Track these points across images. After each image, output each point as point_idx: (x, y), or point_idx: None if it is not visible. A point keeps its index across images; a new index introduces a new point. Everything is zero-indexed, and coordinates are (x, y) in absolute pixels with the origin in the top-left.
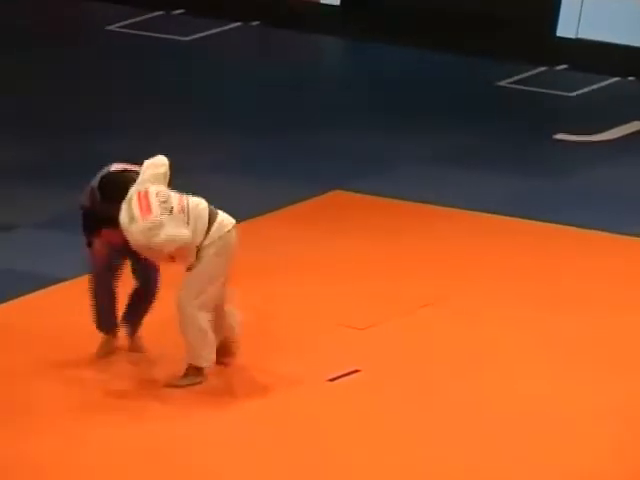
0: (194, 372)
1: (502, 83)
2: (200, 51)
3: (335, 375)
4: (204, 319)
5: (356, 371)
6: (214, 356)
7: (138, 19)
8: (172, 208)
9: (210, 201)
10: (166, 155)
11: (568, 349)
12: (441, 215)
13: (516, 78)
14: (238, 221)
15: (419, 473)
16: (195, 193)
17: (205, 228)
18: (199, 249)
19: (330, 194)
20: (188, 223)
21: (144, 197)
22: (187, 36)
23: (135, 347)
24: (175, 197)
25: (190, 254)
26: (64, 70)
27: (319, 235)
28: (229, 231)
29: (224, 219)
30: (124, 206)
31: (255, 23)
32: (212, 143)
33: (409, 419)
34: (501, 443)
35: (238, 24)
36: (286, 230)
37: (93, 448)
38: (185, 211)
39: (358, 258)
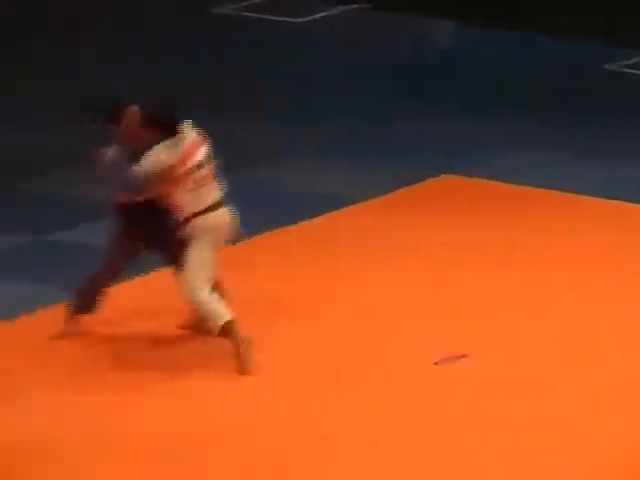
0: (228, 334)
1: (611, 67)
2: (311, 34)
3: (442, 358)
4: (208, 295)
5: (464, 356)
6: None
7: (246, 3)
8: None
9: (316, 184)
10: (271, 139)
11: None
12: (558, 201)
13: (626, 62)
14: (346, 205)
15: (528, 456)
16: (302, 177)
17: (205, 205)
18: (191, 220)
19: (441, 178)
20: (193, 190)
21: (194, 147)
22: (299, 18)
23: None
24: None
25: (180, 202)
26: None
27: (432, 218)
28: (220, 226)
29: (225, 213)
30: (168, 143)
31: (364, 5)
32: (319, 127)
33: (514, 407)
34: (606, 434)
35: (349, 7)
36: (398, 214)
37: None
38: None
39: (470, 242)
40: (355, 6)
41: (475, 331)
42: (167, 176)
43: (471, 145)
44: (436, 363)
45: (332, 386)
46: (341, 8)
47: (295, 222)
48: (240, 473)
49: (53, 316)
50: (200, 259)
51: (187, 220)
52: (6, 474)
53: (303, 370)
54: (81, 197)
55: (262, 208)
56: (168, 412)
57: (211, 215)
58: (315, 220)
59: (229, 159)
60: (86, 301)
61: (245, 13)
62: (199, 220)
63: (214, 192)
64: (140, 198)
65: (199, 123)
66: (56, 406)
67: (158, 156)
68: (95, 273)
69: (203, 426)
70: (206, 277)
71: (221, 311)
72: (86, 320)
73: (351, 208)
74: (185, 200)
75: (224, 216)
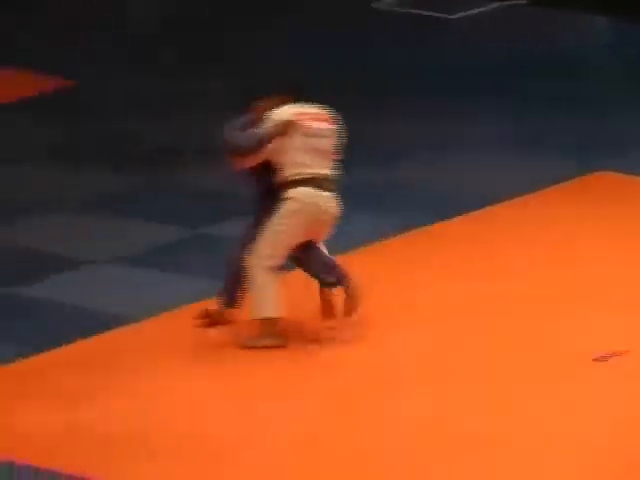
0: (266, 326)
1: None
2: (465, 29)
3: (601, 354)
4: (265, 276)
5: (625, 352)
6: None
7: None
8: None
9: (465, 177)
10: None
11: None
12: None
13: None
14: (500, 200)
15: None
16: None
17: (312, 174)
18: (285, 188)
19: (594, 175)
20: (306, 152)
21: (318, 116)
22: (453, 14)
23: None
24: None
25: (289, 160)
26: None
27: (588, 214)
28: (319, 206)
29: (331, 199)
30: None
31: (521, 2)
32: (467, 118)
33: None
34: None
35: (506, 3)
36: (553, 209)
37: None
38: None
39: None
40: (512, 2)
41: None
42: (284, 129)
43: (627, 142)
44: (596, 359)
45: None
46: (497, 4)
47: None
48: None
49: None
50: (275, 233)
51: (288, 184)
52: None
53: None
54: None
55: (417, 204)
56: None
57: (315, 193)
58: (472, 214)
59: (386, 154)
60: (231, 296)
61: (401, 9)
62: (300, 190)
63: (327, 169)
64: (257, 159)
65: (357, 120)
66: (205, 403)
67: (280, 115)
68: (237, 267)
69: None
70: (271, 255)
71: (269, 303)
72: (232, 314)
73: (506, 204)
74: (294, 159)
75: (329, 201)
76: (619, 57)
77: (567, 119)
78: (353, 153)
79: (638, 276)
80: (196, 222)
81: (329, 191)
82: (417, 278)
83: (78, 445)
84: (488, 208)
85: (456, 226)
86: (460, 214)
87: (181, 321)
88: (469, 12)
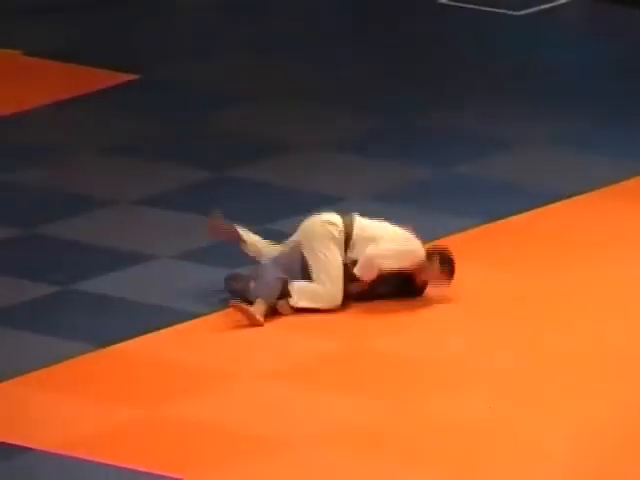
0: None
1: None
2: (534, 26)
3: None
4: None
5: None
6: None
7: None
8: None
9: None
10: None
11: None
12: None
13: None
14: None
15: None
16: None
17: None
18: None
19: None
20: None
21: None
22: (519, 10)
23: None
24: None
25: None
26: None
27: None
28: None
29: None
30: None
31: None
32: (531, 114)
33: None
34: None
35: None
36: (620, 206)
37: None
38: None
39: None
40: None
41: None
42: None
43: None
44: None
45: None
46: (562, 1)
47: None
48: None
49: None
50: None
51: None
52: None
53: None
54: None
55: (488, 198)
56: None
57: None
58: (545, 209)
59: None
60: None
61: (467, 5)
62: None
63: None
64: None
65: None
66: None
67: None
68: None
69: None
70: None
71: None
72: None
73: (574, 199)
74: None
75: None
76: None
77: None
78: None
79: None
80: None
81: None
82: (484, 271)
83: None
84: (563, 202)
85: (534, 219)
86: (535, 209)
87: None
88: (533, 9)
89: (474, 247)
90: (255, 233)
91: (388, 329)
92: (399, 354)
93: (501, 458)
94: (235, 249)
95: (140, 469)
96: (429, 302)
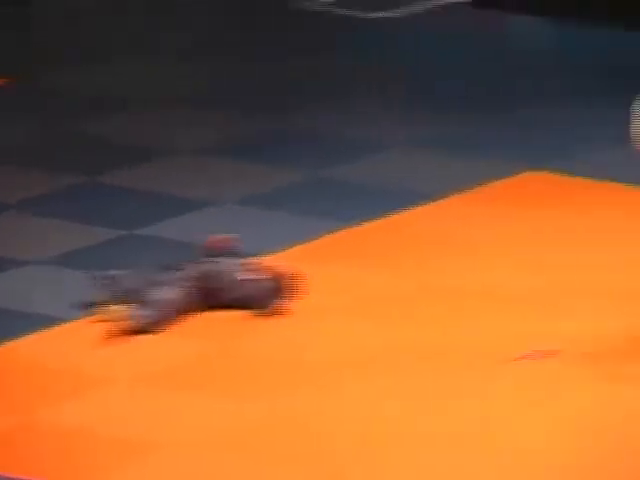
0: None
1: None
2: (403, 28)
3: (526, 355)
4: None
5: (552, 352)
6: None
7: None
8: None
9: (400, 177)
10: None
11: None
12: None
13: None
14: (426, 201)
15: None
16: (387, 169)
17: None
18: None
19: (525, 174)
20: None
21: None
22: (395, 12)
23: None
24: None
25: None
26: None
27: (514, 214)
28: None
29: None
30: None
31: (464, 0)
32: (404, 118)
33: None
34: None
35: (446, 1)
36: (480, 210)
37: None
38: None
39: (547, 239)
40: (453, 0)
41: (563, 324)
42: None
43: (567, 140)
44: (519, 359)
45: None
46: (436, 2)
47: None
48: None
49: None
50: None
51: None
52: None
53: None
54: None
55: (347, 203)
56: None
57: None
58: (395, 215)
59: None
60: None
61: (323, 8)
62: None
63: None
64: None
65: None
66: None
67: None
68: None
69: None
70: None
71: None
72: None
73: (434, 204)
74: None
75: None
76: (562, 57)
77: (518, 119)
78: (299, 149)
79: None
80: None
81: None
82: (352, 274)
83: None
84: (428, 205)
85: (397, 222)
86: (404, 211)
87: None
88: (403, 11)
89: (342, 249)
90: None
91: (263, 330)
92: (273, 356)
93: (359, 455)
94: (100, 253)
95: (8, 475)
96: (303, 304)
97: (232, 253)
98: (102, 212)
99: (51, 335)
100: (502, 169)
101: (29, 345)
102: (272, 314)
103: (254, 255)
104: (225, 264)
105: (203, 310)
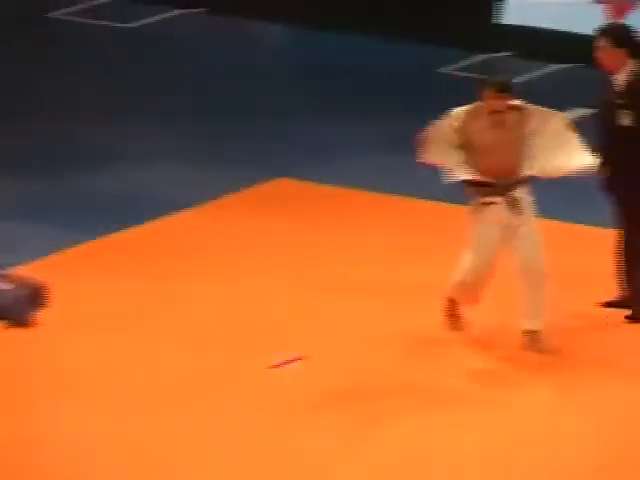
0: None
1: (444, 70)
2: (149, 38)
3: (278, 362)
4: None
5: (300, 358)
6: None
7: (82, 6)
8: None
9: (153, 187)
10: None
11: None
12: (390, 203)
13: (459, 65)
14: (182, 208)
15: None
16: (139, 180)
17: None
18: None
19: (275, 181)
20: None
21: None
22: (134, 22)
23: None
24: None
25: None
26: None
27: (260, 223)
28: None
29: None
30: None
31: (200, 9)
32: (163, 129)
33: (349, 408)
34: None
35: (185, 11)
36: (230, 217)
37: None
38: None
39: (298, 245)
40: (192, 10)
41: (312, 333)
42: None
43: (313, 148)
44: (272, 367)
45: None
46: (177, 12)
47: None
48: None
49: None
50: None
51: None
52: None
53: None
54: None
55: (93, 212)
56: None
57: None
58: (147, 225)
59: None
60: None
61: (77, 18)
62: None
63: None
64: None
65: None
66: None
67: None
68: None
69: None
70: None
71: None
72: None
73: (186, 211)
74: None
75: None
76: (296, 63)
77: (251, 127)
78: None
79: (314, 281)
80: None
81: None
82: (97, 286)
83: None
84: (172, 215)
85: (136, 234)
86: (143, 223)
87: None
88: (148, 20)
89: (91, 260)
90: None
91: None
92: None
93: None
94: None
95: None
96: (50, 316)
97: None
98: None
99: None
100: (247, 178)
101: None
102: (25, 326)
103: (3, 266)
104: None
105: None
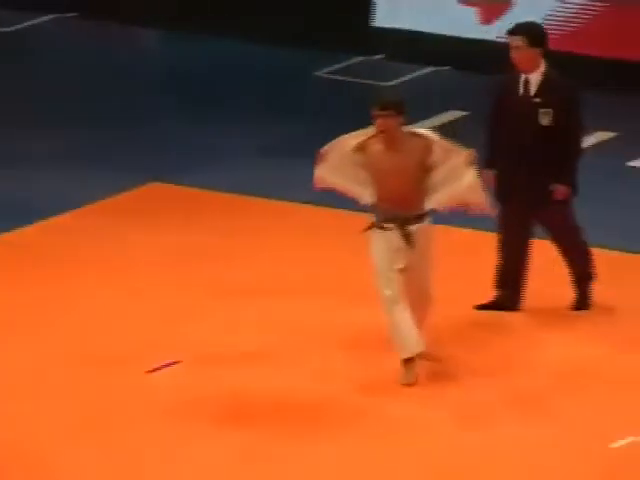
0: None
1: (319, 73)
2: (17, 43)
3: (155, 366)
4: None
5: (176, 362)
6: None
7: None
8: None
9: (31, 191)
10: None
11: None
12: (258, 206)
13: (333, 68)
14: (61, 212)
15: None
16: (17, 184)
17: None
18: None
19: (147, 186)
20: None
21: None
22: (5, 27)
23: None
24: None
25: None
26: None
27: (135, 227)
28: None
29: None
30: None
31: (71, 14)
32: (35, 133)
33: (227, 408)
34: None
35: (53, 16)
36: (102, 222)
37: None
38: None
39: (172, 249)
40: (64, 15)
41: (187, 335)
42: None
43: (182, 153)
44: (150, 371)
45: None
46: (50, 16)
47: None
48: None
49: None
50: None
51: None
52: None
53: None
54: None
55: None
56: None
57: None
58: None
59: None
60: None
61: None
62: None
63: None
64: None
65: None
66: None
67: None
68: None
69: None
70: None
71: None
72: None
73: (65, 215)
74: None
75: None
76: (170, 69)
77: (130, 131)
78: None
79: (187, 283)
80: None
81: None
82: None
83: None
84: (51, 219)
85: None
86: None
87: None
88: (20, 25)
89: None
90: None
91: None
92: None
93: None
94: None
95: None
96: None
97: None
98: None
99: None
100: (129, 181)
101: None
102: None
103: None
104: None
105: None
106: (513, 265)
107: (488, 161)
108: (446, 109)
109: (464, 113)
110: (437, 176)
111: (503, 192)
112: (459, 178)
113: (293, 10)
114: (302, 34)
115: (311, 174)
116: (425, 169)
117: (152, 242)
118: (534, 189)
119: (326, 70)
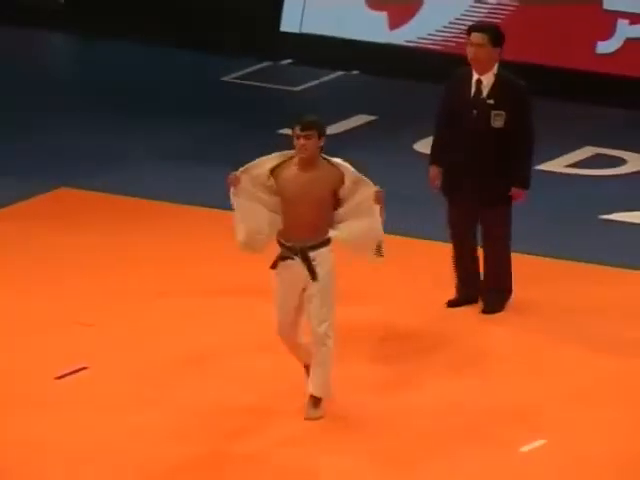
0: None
1: (227, 78)
2: None
3: (63, 373)
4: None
5: (84, 368)
6: None
7: None
8: None
9: None
10: None
11: None
12: (165, 211)
13: (241, 73)
14: None
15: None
16: None
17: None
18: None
19: (55, 192)
20: None
21: None
22: None
23: None
24: None
25: None
26: None
27: (43, 232)
28: None
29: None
30: None
31: None
32: None
33: (139, 415)
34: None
35: None
36: (9, 227)
37: None
38: None
39: (83, 254)
40: None
41: (95, 341)
42: None
43: (92, 159)
44: (58, 377)
45: None
46: None
47: None
48: None
49: None
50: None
51: None
52: None
53: None
54: None
55: None
56: None
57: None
58: None
59: None
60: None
61: None
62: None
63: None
64: None
65: None
66: None
67: None
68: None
69: None
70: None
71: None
72: None
73: None
74: None
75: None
76: (79, 73)
77: (36, 138)
78: None
79: (95, 290)
80: None
81: None
82: None
83: None
84: None
85: None
86: None
87: None
88: None
89: None
90: None
91: None
92: None
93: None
94: None
95: None
96: None
97: None
98: None
99: None
100: (36, 186)
101: None
102: None
103: None
104: None
105: None
106: (467, 262)
107: (435, 158)
108: (355, 113)
109: (372, 117)
110: (343, 209)
111: (452, 189)
112: (365, 214)
113: (200, 14)
114: (209, 39)
115: (216, 179)
116: (335, 199)
117: (55, 246)
118: (484, 189)
119: (234, 75)
